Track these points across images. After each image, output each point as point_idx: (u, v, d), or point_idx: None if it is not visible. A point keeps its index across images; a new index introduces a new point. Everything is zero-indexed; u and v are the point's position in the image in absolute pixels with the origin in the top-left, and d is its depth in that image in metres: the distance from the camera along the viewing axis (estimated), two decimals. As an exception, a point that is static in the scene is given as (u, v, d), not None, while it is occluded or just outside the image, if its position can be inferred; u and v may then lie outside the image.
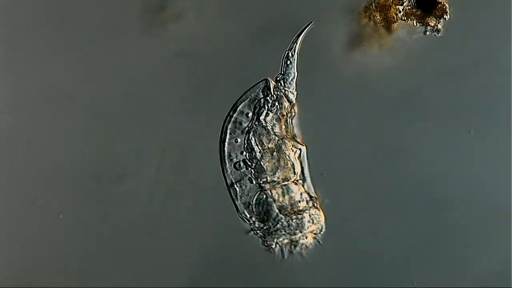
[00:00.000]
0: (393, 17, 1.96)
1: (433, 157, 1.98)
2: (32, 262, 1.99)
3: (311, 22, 1.97)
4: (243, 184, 1.97)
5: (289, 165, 1.96)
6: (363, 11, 1.99)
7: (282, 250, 1.96)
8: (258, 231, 1.96)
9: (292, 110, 1.98)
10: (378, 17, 1.96)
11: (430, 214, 1.97)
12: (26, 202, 2.00)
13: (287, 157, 1.95)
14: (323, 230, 1.97)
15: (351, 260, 1.98)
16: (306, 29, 1.98)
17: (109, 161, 2.00)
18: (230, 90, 2.01)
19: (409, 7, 1.97)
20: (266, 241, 1.95)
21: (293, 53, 1.98)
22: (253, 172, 1.96)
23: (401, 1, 1.96)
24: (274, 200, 1.95)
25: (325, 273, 1.97)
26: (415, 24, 1.96)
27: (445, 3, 1.97)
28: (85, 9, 2.04)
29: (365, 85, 1.99)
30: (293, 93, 1.98)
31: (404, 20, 1.96)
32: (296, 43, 1.98)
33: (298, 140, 1.97)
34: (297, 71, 1.98)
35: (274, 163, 1.96)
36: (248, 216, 1.96)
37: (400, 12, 1.96)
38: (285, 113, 1.98)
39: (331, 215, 1.97)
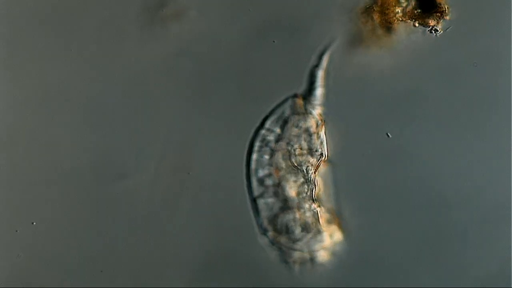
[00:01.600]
0: (393, 17, 1.96)
1: (432, 157, 1.98)
2: (32, 262, 1.99)
3: (336, 39, 1.96)
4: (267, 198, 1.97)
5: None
6: (362, 11, 1.98)
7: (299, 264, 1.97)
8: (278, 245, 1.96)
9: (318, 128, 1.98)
10: (378, 18, 1.96)
11: (430, 214, 1.97)
12: (26, 202, 2.00)
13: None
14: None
15: (351, 260, 1.98)
16: (331, 46, 1.97)
17: (109, 160, 2.00)
18: (231, 90, 2.01)
19: (409, 8, 1.97)
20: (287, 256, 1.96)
21: (318, 69, 1.97)
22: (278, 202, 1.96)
23: (400, 2, 1.96)
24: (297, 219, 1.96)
25: (326, 273, 1.97)
26: (414, 25, 1.96)
27: (444, 4, 1.97)
28: (85, 9, 2.04)
29: (364, 85, 1.99)
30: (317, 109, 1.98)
31: (403, 20, 1.96)
32: (322, 60, 1.97)
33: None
34: (323, 87, 1.98)
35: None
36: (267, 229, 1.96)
37: (399, 12, 1.96)
38: (313, 131, 1.97)
39: (333, 217, 1.98)
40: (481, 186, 1.97)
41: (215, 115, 2.00)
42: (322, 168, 1.97)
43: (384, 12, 1.96)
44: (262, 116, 2.00)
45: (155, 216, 1.98)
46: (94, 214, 1.99)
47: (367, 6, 1.98)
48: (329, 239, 1.96)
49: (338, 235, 1.97)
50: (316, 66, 1.97)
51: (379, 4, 1.97)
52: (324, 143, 1.97)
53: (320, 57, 1.98)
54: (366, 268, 1.97)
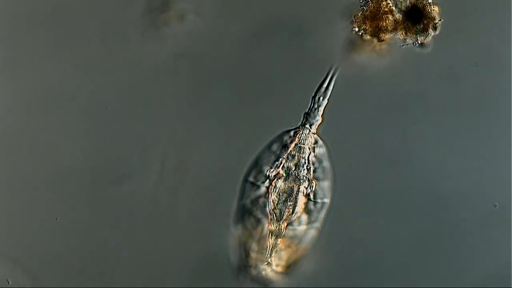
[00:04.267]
0: (383, 27, 1.93)
1: (432, 157, 1.98)
2: (32, 264, 1.99)
3: (339, 66, 1.94)
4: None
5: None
6: (352, 19, 1.96)
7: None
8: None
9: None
10: (368, 27, 1.94)
11: (430, 214, 1.97)
12: (26, 202, 2.00)
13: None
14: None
15: (351, 260, 1.98)
16: (335, 75, 1.95)
17: (111, 162, 2.00)
18: (231, 91, 2.01)
19: (399, 18, 1.94)
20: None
21: (324, 99, 1.95)
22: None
23: (391, 11, 1.93)
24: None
25: (325, 273, 1.97)
26: (403, 35, 1.94)
27: (435, 18, 1.94)
28: (86, 10, 2.03)
29: (363, 86, 1.99)
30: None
31: (392, 32, 1.93)
32: (328, 90, 1.95)
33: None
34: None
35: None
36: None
37: (390, 22, 1.93)
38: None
39: (329, 219, 1.98)
40: (481, 186, 1.97)
41: (217, 114, 2.00)
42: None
43: (375, 22, 1.93)
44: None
45: (158, 217, 1.98)
46: (96, 216, 1.99)
47: (355, 15, 1.96)
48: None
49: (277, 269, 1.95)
50: (321, 96, 1.95)
51: (369, 13, 1.94)
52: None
53: (326, 88, 1.96)
54: (365, 268, 1.97)
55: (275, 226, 1.90)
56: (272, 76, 2.00)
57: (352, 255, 1.97)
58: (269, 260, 1.90)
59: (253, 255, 1.91)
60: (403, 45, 1.95)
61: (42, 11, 2.04)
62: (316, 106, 1.94)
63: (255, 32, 2.01)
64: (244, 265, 1.92)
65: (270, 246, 1.90)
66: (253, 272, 1.92)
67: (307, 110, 1.95)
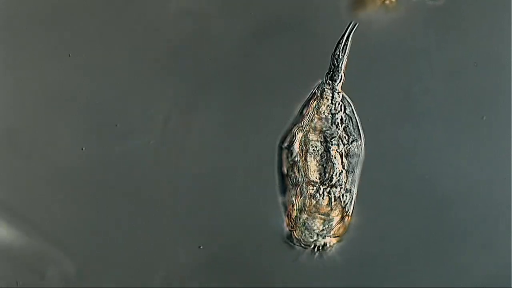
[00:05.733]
0: None
1: (432, 156, 1.98)
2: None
3: (355, 24, 1.95)
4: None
5: None
6: None
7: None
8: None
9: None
10: None
11: (430, 214, 1.97)
12: (27, 201, 2.01)
13: None
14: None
15: (351, 260, 1.98)
16: (353, 31, 1.96)
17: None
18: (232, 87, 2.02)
19: None
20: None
21: (341, 55, 1.97)
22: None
23: None
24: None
25: (326, 273, 1.97)
26: None
27: None
28: (87, 9, 2.03)
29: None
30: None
31: None
32: (347, 45, 1.97)
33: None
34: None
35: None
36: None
37: None
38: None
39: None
40: (481, 185, 1.97)
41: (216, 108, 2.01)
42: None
43: None
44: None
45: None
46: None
47: None
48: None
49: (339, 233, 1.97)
50: (339, 54, 1.96)
51: None
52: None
53: (344, 46, 1.97)
54: (365, 268, 1.97)
55: (316, 188, 1.95)
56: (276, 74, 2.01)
57: (352, 255, 1.97)
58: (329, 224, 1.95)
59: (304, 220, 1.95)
60: None
61: (42, 11, 2.04)
62: (336, 63, 1.97)
63: (255, 32, 2.02)
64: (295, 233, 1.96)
65: (325, 211, 1.95)
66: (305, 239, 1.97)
67: (328, 70, 1.98)
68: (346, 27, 1.97)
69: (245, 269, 1.99)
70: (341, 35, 1.97)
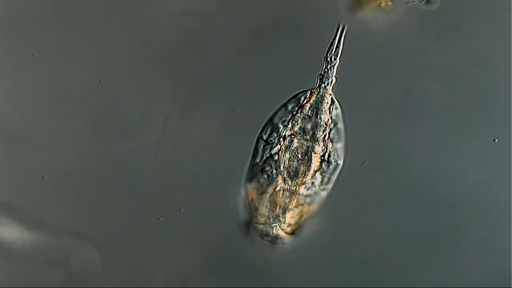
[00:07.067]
0: None
1: (431, 157, 1.98)
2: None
3: (344, 25, 1.96)
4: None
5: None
6: None
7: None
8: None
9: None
10: None
11: (430, 214, 1.97)
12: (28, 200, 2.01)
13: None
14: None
15: (350, 260, 1.98)
16: (343, 32, 1.96)
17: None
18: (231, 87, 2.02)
19: None
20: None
21: (335, 58, 1.97)
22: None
23: None
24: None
25: (324, 273, 1.97)
26: None
27: None
28: (87, 9, 2.04)
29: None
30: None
31: None
32: (339, 48, 1.96)
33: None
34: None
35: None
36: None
37: None
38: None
39: (329, 214, 1.98)
40: (481, 186, 1.97)
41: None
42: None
43: None
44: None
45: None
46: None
47: None
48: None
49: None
50: (332, 56, 1.96)
51: None
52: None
53: (336, 47, 1.97)
54: (365, 268, 1.97)
55: (289, 184, 1.93)
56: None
57: (352, 254, 1.97)
58: (280, 218, 1.93)
59: (264, 212, 1.94)
60: (409, 2, 1.96)
61: (44, 10, 2.05)
62: (329, 66, 1.97)
63: (255, 32, 2.03)
64: (253, 222, 1.95)
65: (282, 204, 1.92)
66: (263, 228, 1.95)
67: (320, 72, 1.98)
68: (336, 30, 1.97)
69: (245, 269, 1.99)
70: (332, 37, 1.96)
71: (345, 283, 1.97)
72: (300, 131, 1.95)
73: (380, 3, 1.97)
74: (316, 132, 1.95)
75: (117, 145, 2.01)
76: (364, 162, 1.96)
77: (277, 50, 2.00)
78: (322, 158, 1.95)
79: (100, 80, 2.01)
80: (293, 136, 1.95)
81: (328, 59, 1.96)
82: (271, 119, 1.97)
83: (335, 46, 1.96)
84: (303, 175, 1.93)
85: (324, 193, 1.96)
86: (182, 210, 1.96)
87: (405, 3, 1.96)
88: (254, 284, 1.98)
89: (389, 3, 1.97)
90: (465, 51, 2.00)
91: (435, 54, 1.99)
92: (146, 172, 2.00)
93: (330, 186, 1.96)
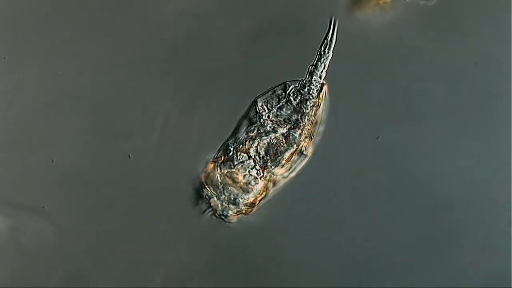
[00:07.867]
0: None
1: (431, 157, 1.98)
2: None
3: (336, 17, 1.96)
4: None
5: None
6: None
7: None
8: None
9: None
10: None
11: (430, 214, 1.97)
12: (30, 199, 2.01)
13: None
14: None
15: (350, 259, 1.98)
16: (335, 25, 1.97)
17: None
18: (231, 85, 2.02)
19: None
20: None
21: (328, 52, 1.97)
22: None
23: None
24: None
25: (323, 273, 1.97)
26: None
27: None
28: (87, 9, 2.04)
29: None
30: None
31: None
32: (332, 41, 1.97)
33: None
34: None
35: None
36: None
37: None
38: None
39: (329, 209, 1.98)
40: (481, 186, 1.97)
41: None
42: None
43: None
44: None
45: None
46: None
47: None
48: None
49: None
50: (324, 49, 1.97)
51: None
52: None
53: (330, 39, 1.97)
54: (365, 268, 1.97)
55: (261, 167, 1.95)
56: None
57: (352, 254, 1.97)
58: (240, 199, 1.95)
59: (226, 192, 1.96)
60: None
61: (44, 10, 2.05)
62: (322, 58, 1.97)
63: (254, 32, 2.03)
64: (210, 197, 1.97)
65: (248, 183, 1.95)
66: (217, 207, 1.97)
67: (313, 63, 1.98)
68: (328, 23, 1.97)
69: (245, 269, 1.99)
70: (326, 31, 1.97)
71: (345, 283, 1.97)
72: (283, 119, 1.96)
73: (378, 1, 1.97)
74: (300, 119, 1.96)
75: (117, 145, 2.01)
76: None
77: (277, 50, 2.01)
78: (298, 147, 1.95)
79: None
80: (275, 123, 1.95)
81: (322, 52, 1.96)
82: (255, 101, 1.98)
83: (329, 39, 1.96)
84: (275, 158, 1.94)
85: (285, 180, 1.96)
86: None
87: (403, 0, 1.96)
88: (254, 284, 1.98)
89: (388, 0, 1.97)
90: (465, 51, 2.00)
91: (435, 53, 1.99)
92: (146, 172, 2.00)
93: (293, 174, 1.96)
